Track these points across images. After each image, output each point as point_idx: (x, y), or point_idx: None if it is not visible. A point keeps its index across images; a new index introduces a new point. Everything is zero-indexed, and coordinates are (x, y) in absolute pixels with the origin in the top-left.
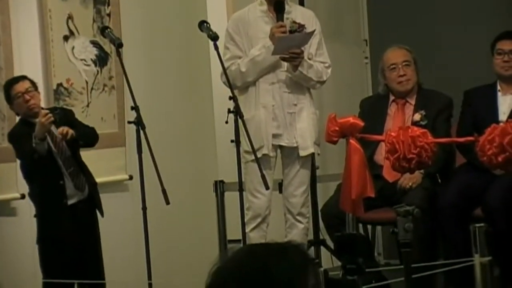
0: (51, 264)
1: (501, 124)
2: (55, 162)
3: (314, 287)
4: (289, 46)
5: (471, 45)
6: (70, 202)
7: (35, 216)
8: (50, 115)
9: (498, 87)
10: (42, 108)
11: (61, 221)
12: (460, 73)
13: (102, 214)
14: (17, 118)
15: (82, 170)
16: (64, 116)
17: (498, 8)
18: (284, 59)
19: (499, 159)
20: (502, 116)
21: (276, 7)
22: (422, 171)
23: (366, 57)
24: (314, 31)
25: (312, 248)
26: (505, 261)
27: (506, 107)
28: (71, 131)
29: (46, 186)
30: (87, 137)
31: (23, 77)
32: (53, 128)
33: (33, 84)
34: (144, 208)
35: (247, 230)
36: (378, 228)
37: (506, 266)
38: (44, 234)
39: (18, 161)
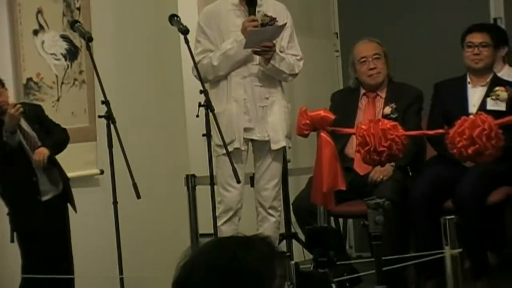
0: (32, 260)
1: (471, 116)
2: (27, 159)
3: (281, 277)
4: (261, 39)
5: (441, 38)
6: (44, 198)
7: (7, 214)
8: (19, 105)
9: (468, 80)
10: None
11: (35, 218)
12: (431, 66)
13: (75, 210)
14: None
15: (55, 165)
16: (34, 112)
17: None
18: (256, 53)
19: (469, 151)
20: (472, 108)
21: (248, 1)
22: (393, 163)
23: (337, 50)
24: (285, 24)
25: (284, 241)
26: (475, 253)
27: (476, 100)
28: (45, 155)
29: (19, 184)
30: (59, 147)
31: None
32: (24, 124)
33: (0, 81)
34: (115, 203)
35: (218, 224)
36: (350, 221)
37: (476, 258)
38: (20, 232)
39: None
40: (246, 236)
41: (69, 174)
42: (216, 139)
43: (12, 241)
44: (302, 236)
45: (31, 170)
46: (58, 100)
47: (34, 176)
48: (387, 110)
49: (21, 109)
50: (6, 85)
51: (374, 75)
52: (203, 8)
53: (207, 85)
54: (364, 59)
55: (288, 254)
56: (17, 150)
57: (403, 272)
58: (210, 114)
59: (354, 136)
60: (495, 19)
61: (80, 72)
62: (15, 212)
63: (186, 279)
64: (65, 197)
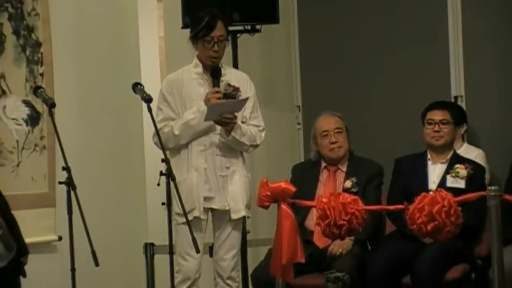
0: None
1: (431, 193)
2: None
3: None
4: (222, 111)
5: (403, 114)
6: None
7: None
8: None
9: (428, 156)
10: None
11: None
12: (392, 141)
13: (24, 275)
14: None
15: (12, 227)
16: None
17: (430, 77)
18: (216, 122)
19: (428, 227)
20: (432, 185)
21: (212, 72)
22: (352, 237)
23: (299, 123)
24: (247, 98)
25: None
26: None
27: (436, 176)
28: None
29: None
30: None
31: None
32: None
33: None
34: (73, 270)
35: None
36: None
37: None
38: None
39: None
40: None
41: (27, 240)
42: (176, 207)
43: None
44: None
45: None
46: (18, 165)
47: None
48: (348, 184)
49: None
50: None
51: (335, 149)
52: (165, 75)
53: (167, 153)
54: (325, 132)
55: None
56: None
57: None
58: (171, 182)
59: (314, 209)
60: (455, 97)
61: (41, 138)
62: None
63: None
64: (18, 261)
